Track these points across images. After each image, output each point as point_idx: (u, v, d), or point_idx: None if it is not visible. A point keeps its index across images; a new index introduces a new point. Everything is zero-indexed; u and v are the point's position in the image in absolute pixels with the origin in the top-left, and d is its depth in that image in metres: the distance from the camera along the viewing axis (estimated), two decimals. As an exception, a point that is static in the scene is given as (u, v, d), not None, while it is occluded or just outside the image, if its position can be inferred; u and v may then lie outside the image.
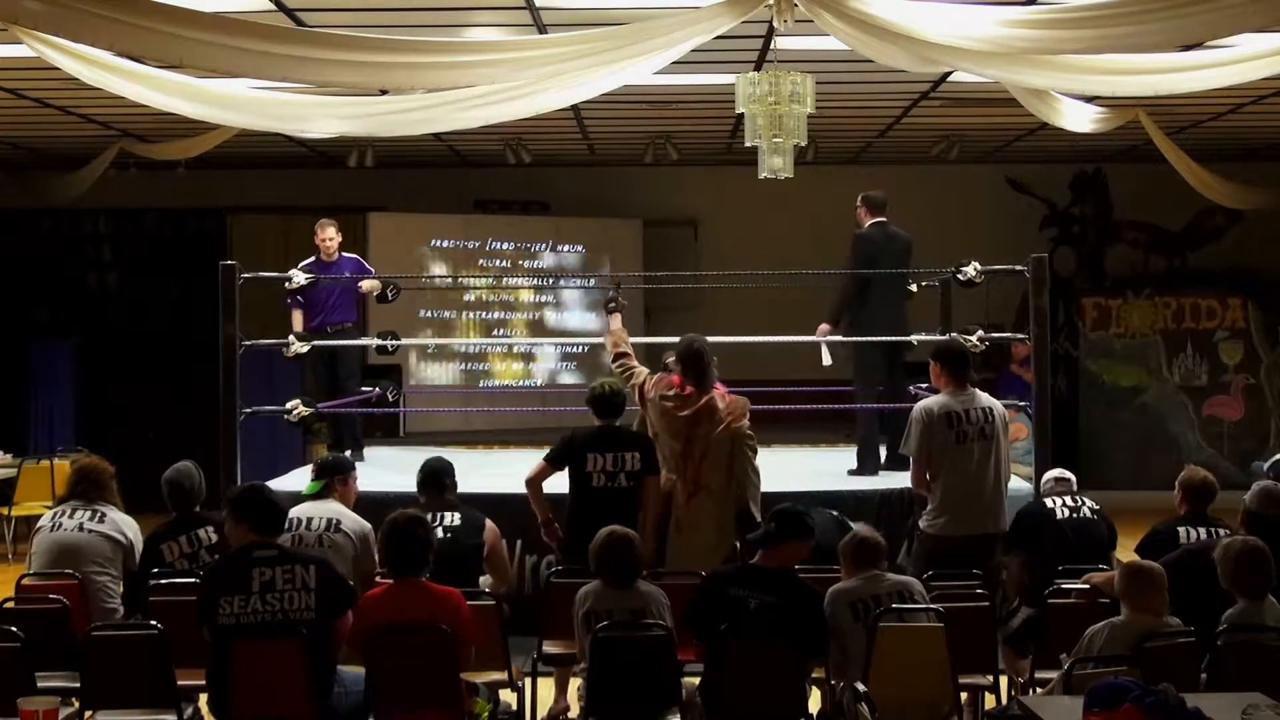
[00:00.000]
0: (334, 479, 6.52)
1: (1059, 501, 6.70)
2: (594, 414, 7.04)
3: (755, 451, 6.97)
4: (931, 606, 5.49)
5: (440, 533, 6.22)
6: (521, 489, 7.15)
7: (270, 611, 5.19)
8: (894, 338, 8.76)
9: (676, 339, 7.88)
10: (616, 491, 6.85)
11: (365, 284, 9.92)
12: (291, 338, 8.85)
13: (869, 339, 8.76)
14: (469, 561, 6.30)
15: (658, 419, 6.96)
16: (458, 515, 6.39)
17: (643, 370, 7.22)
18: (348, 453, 9.99)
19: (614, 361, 7.38)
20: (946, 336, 8.47)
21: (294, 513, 6.37)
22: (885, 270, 8.80)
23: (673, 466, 6.86)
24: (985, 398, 7.03)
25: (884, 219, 9.04)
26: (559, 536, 7.00)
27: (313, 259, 9.88)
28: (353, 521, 6.34)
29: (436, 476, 6.64)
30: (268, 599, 5.20)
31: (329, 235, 9.89)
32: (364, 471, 9.38)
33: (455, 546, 6.22)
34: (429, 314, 14.50)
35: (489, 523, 6.51)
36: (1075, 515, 6.61)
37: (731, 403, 6.97)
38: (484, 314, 14.91)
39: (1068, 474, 6.97)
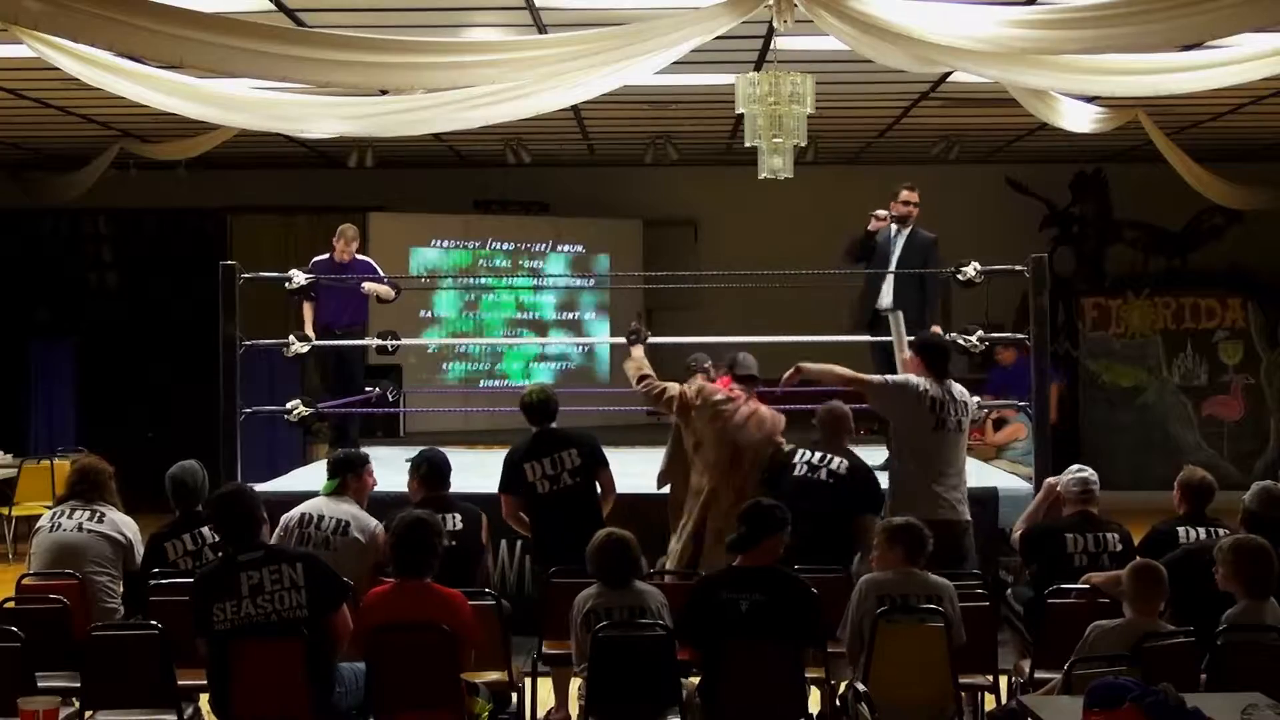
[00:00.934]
0: (347, 475, 6.52)
1: (1080, 545, 6.25)
2: (527, 421, 7.05)
3: None
4: (937, 608, 5.48)
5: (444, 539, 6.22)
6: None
7: (263, 613, 5.20)
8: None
9: (677, 339, 7.90)
10: (563, 493, 6.85)
11: (369, 286, 9.93)
12: (292, 337, 8.85)
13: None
14: (472, 562, 6.31)
15: (706, 425, 6.91)
16: (459, 518, 6.37)
17: (674, 384, 7.17)
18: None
19: (639, 383, 7.30)
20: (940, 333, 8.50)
21: (308, 508, 6.37)
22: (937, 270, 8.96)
23: (716, 474, 6.82)
24: (961, 390, 7.06)
25: None
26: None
27: (326, 256, 9.91)
28: (361, 523, 6.34)
29: (437, 471, 6.62)
30: (259, 601, 5.21)
31: (351, 250, 9.93)
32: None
33: (459, 550, 6.22)
34: (428, 314, 14.51)
35: (485, 519, 6.54)
36: (1094, 566, 6.18)
37: (774, 415, 7.02)
38: (484, 314, 14.92)
39: (1090, 478, 6.45)
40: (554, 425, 7.02)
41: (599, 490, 6.98)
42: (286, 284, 9.15)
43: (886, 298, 8.99)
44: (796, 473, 6.78)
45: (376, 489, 7.27)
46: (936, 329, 8.69)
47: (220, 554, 6.01)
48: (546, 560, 6.63)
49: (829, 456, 6.82)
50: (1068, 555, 6.27)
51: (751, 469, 6.86)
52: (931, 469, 6.80)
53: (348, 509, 6.38)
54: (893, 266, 8.90)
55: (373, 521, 6.37)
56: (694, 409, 6.97)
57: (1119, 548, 6.28)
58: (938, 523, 6.56)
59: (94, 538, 6.26)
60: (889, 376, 7.04)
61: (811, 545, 6.19)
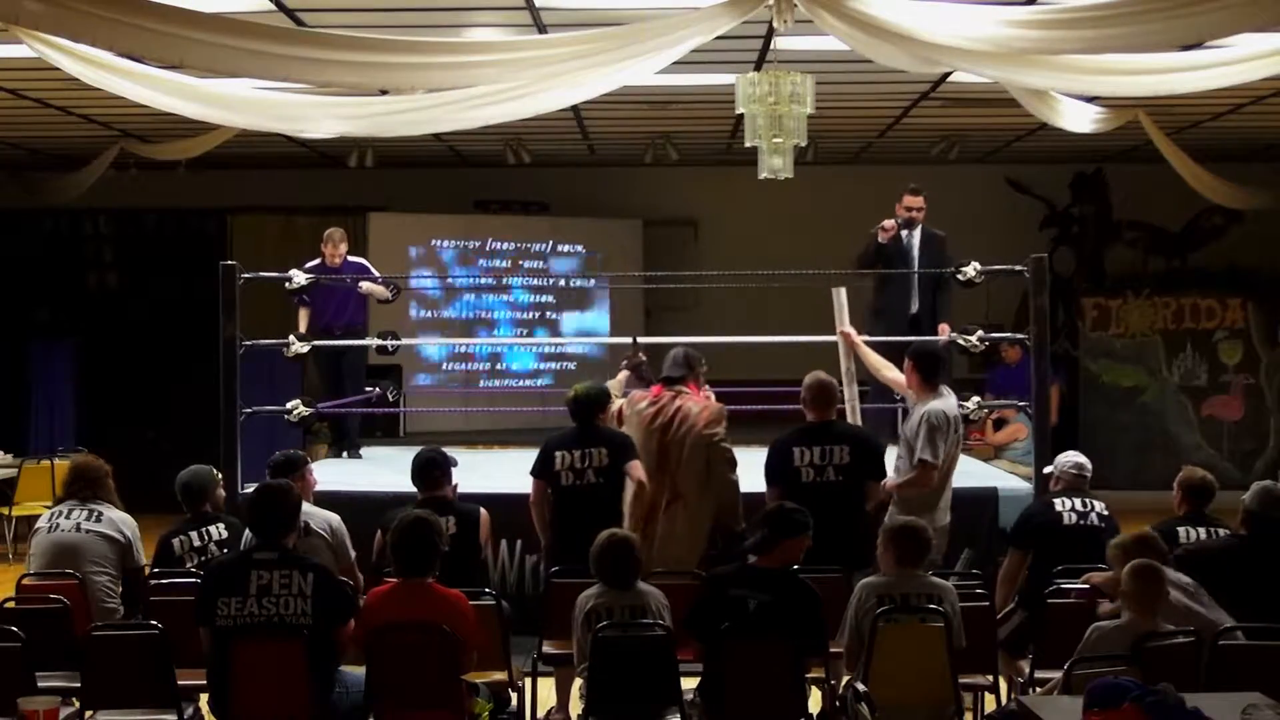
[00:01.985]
0: (293, 476, 6.50)
1: (1067, 505, 6.55)
2: (570, 418, 7.07)
3: (733, 463, 6.92)
4: (936, 608, 5.48)
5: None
6: (520, 488, 7.17)
7: (266, 615, 5.20)
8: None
9: (677, 339, 7.90)
10: (586, 488, 6.85)
11: (365, 286, 9.93)
12: (292, 338, 8.85)
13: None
14: (468, 566, 6.31)
15: (635, 431, 6.97)
16: (453, 521, 6.31)
17: (618, 400, 7.27)
18: (343, 454, 10.01)
19: None
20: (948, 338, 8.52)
21: None
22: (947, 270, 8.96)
23: (652, 477, 6.83)
24: (954, 398, 7.20)
25: None
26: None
27: (318, 261, 9.91)
28: (320, 520, 6.36)
29: (428, 470, 6.62)
30: (264, 602, 5.21)
31: (340, 253, 9.94)
32: (364, 471, 9.41)
33: (452, 554, 6.20)
34: (429, 314, 14.51)
35: (484, 515, 6.54)
36: (1083, 523, 6.47)
37: (706, 408, 6.98)
38: (484, 314, 14.92)
39: (1085, 464, 6.74)
40: (593, 424, 7.02)
41: (627, 479, 6.96)
42: (286, 284, 9.15)
43: (915, 303, 9.04)
44: (804, 479, 6.71)
45: (376, 489, 7.29)
46: (944, 327, 8.74)
47: (226, 550, 6.05)
48: (558, 555, 6.62)
49: (830, 450, 6.77)
50: (1056, 515, 6.51)
51: (681, 467, 6.82)
52: (945, 483, 6.97)
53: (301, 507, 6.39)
54: (915, 270, 8.89)
55: (331, 515, 6.38)
56: (625, 419, 7.02)
57: (1105, 511, 6.54)
58: (939, 529, 6.68)
59: (93, 537, 6.25)
60: (930, 442, 6.87)
61: (824, 547, 6.16)
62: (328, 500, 6.83)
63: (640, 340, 8.14)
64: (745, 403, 7.28)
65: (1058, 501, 6.59)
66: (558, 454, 6.91)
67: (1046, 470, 7.03)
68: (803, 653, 5.37)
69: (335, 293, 9.91)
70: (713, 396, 7.27)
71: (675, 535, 6.77)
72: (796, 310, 9.92)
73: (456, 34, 8.61)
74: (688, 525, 6.79)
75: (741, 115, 6.90)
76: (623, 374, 7.67)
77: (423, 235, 14.52)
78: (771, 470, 6.84)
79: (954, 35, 6.28)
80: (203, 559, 6.19)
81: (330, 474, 8.39)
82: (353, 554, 6.39)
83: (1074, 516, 6.51)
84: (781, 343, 9.47)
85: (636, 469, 6.99)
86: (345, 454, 10.07)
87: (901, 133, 12.82)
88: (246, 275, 8.46)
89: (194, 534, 6.31)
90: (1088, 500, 6.59)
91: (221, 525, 6.36)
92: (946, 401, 7.02)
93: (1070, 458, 6.79)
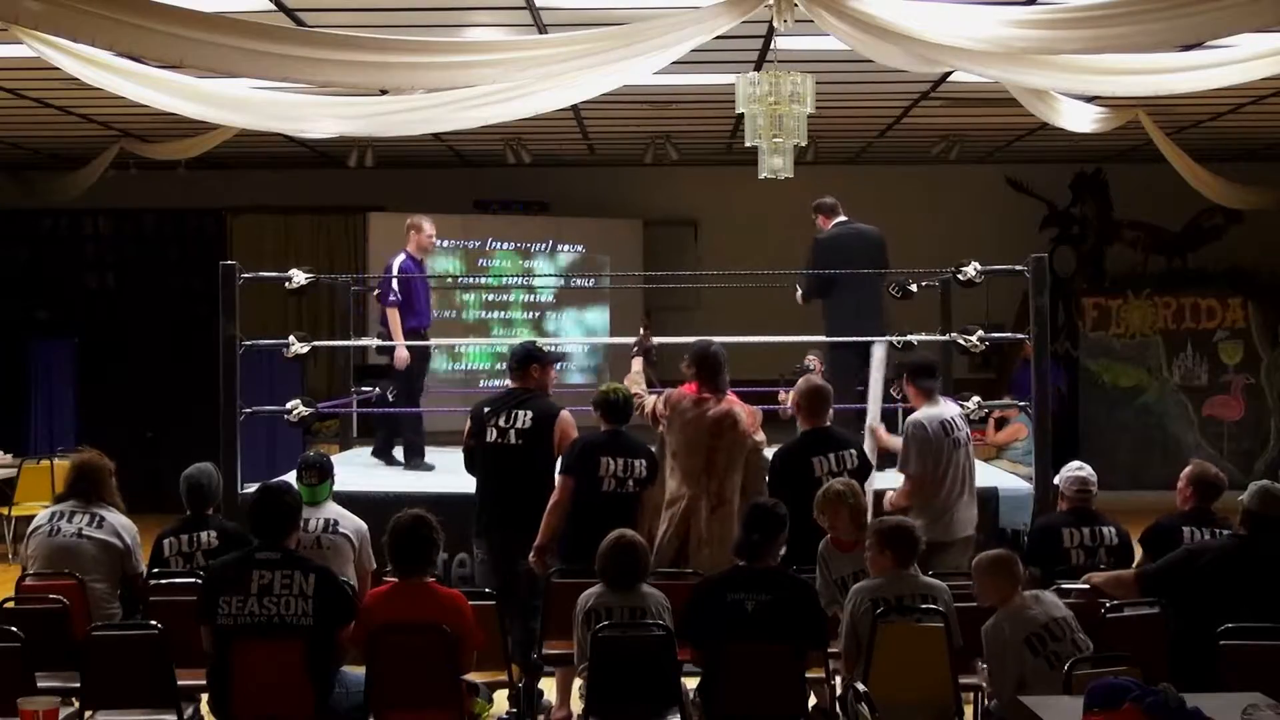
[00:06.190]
0: (331, 478, 6.52)
1: (1075, 539, 6.28)
2: (603, 418, 6.93)
3: (765, 474, 6.91)
4: (936, 608, 5.48)
5: (513, 437, 6.79)
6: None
7: (266, 615, 5.21)
8: (866, 338, 8.64)
9: (677, 339, 7.88)
10: (623, 497, 6.76)
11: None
12: (291, 338, 8.82)
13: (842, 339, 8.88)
14: (538, 465, 6.71)
15: (678, 433, 6.84)
16: (529, 416, 6.71)
17: (650, 397, 7.18)
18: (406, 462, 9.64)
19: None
20: (911, 342, 8.55)
21: None
22: (852, 269, 8.92)
23: (694, 481, 6.74)
24: (953, 406, 7.22)
25: (844, 218, 9.23)
26: (544, 567, 6.64)
27: (404, 256, 9.58)
28: (351, 522, 6.36)
29: (524, 362, 6.88)
30: (265, 602, 5.22)
31: (433, 231, 9.77)
32: (364, 471, 9.39)
33: (525, 449, 6.65)
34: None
35: (564, 415, 6.81)
36: (1091, 560, 6.20)
37: (751, 413, 6.98)
38: (484, 314, 14.92)
39: (1089, 479, 6.47)
40: (624, 429, 6.95)
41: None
42: (286, 284, 9.12)
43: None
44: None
45: (375, 489, 7.28)
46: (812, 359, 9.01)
47: (211, 560, 6.03)
48: (578, 558, 6.57)
49: (843, 455, 6.81)
50: (1064, 550, 6.30)
51: (727, 472, 6.76)
52: (948, 492, 6.96)
53: (333, 509, 6.41)
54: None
55: (360, 523, 6.38)
56: (664, 420, 6.95)
57: (1115, 541, 6.32)
58: (944, 544, 6.70)
59: (93, 544, 6.20)
60: (908, 458, 7.01)
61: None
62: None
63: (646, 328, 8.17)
64: (745, 403, 7.27)
65: (1065, 533, 6.32)
66: (603, 459, 6.73)
67: (1057, 481, 6.81)
68: (805, 647, 5.39)
69: (424, 290, 9.55)
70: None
71: (727, 540, 6.65)
72: (797, 310, 9.92)
73: (456, 34, 8.61)
74: (731, 530, 6.72)
75: (741, 115, 6.90)
76: (638, 361, 7.61)
77: (422, 235, 14.48)
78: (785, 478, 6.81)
79: (954, 35, 6.28)
80: (189, 565, 6.16)
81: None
82: (374, 564, 6.32)
83: (1082, 555, 6.25)
84: (782, 343, 9.47)
85: (657, 499, 6.92)
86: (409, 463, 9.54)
87: (901, 133, 12.82)
88: (246, 275, 8.45)
89: (185, 538, 6.28)
90: (1098, 530, 6.32)
91: (213, 533, 6.29)
92: (935, 410, 7.06)
93: (1073, 473, 6.50)
